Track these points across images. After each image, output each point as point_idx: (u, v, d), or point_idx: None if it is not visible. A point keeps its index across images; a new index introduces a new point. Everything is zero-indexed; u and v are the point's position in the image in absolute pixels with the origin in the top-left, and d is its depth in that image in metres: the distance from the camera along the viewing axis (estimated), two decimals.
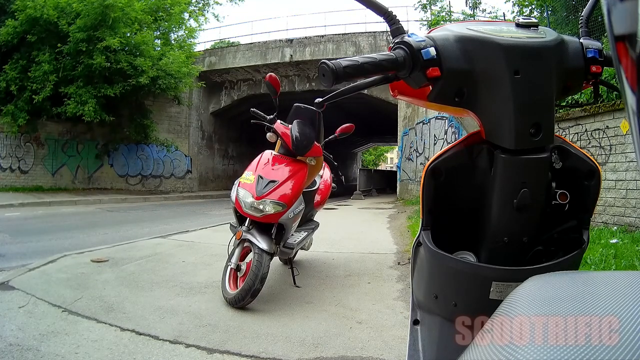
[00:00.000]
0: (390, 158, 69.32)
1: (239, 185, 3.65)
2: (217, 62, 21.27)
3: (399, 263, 5.07)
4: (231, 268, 3.53)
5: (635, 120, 0.42)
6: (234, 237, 3.68)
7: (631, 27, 0.40)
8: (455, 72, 0.90)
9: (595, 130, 6.36)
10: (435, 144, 14.14)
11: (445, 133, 13.35)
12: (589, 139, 6.46)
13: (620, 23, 0.42)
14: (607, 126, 6.13)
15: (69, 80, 15.55)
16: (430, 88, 0.93)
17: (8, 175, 17.35)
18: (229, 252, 3.65)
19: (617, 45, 0.43)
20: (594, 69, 0.98)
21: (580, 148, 1.04)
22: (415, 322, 1.20)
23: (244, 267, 3.50)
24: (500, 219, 0.97)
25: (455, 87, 0.92)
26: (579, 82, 1.01)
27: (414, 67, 0.89)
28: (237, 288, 3.40)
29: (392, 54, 0.89)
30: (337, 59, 0.87)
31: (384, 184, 26.55)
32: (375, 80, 0.93)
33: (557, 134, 0.99)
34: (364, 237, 7.21)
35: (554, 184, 0.99)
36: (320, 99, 1.06)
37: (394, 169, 30.90)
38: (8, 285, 3.76)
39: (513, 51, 0.89)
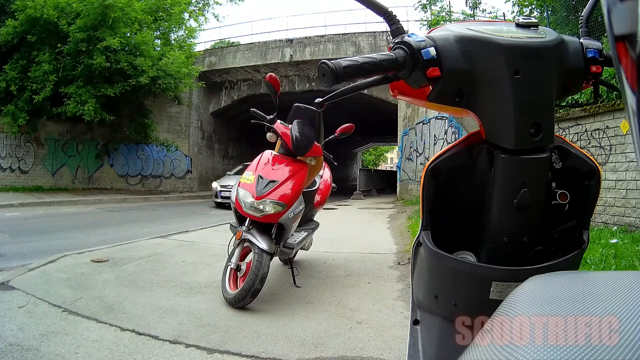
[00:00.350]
0: (390, 158, 69.30)
1: (239, 185, 3.65)
2: (217, 62, 21.26)
3: (399, 263, 5.08)
4: (231, 268, 3.53)
5: (635, 120, 0.42)
6: (234, 237, 3.68)
7: (631, 27, 0.40)
8: (455, 72, 0.90)
9: (595, 130, 6.36)
10: (435, 144, 14.14)
11: (445, 133, 13.36)
12: (589, 139, 6.46)
13: (620, 23, 0.42)
14: (607, 126, 6.12)
15: (69, 80, 15.52)
16: (430, 88, 0.93)
17: (8, 175, 17.28)
18: (229, 252, 3.65)
19: (617, 45, 0.43)
20: (594, 69, 0.98)
21: (580, 148, 1.04)
22: (415, 322, 1.20)
23: (244, 267, 3.50)
24: (500, 219, 0.97)
25: (455, 87, 0.92)
26: (579, 82, 1.01)
27: (414, 67, 0.89)
28: (237, 288, 3.40)
29: (392, 54, 0.89)
30: (337, 59, 0.87)
31: (384, 184, 26.55)
32: (375, 80, 0.93)
33: (557, 134, 0.98)
34: (364, 237, 7.21)
35: (554, 184, 0.99)
36: (320, 99, 1.06)
37: (394, 169, 30.90)
38: (8, 285, 3.76)
39: (513, 51, 0.89)
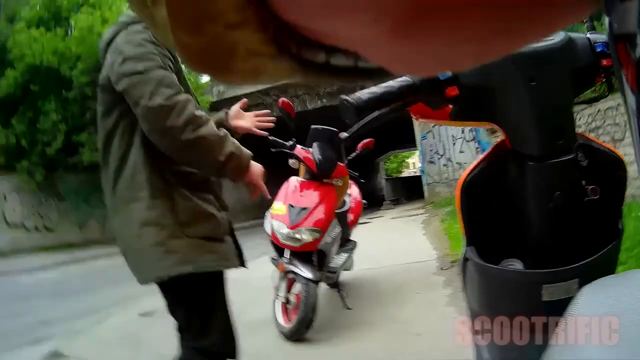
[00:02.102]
0: (412, 163, 68.55)
1: (271, 217, 3.66)
2: (225, 91, 21.20)
3: (442, 268, 5.02)
4: (281, 302, 3.54)
5: (635, 121, 0.44)
6: (276, 269, 3.69)
7: (631, 27, 0.42)
8: (472, 88, 0.93)
9: (608, 108, 6.30)
10: (454, 144, 14.11)
11: (462, 132, 13.30)
12: (603, 118, 6.40)
13: (620, 23, 0.45)
14: (619, 103, 6.02)
15: (79, 127, 15.13)
16: (451, 107, 0.96)
17: (34, 235, 16.05)
18: (274, 286, 3.66)
19: (617, 46, 0.45)
20: (604, 62, 0.99)
21: (602, 143, 1.06)
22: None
23: (292, 298, 3.48)
24: (539, 223, 0.99)
25: (475, 102, 0.95)
26: (591, 78, 1.02)
27: (432, 89, 0.92)
28: (290, 321, 3.39)
29: (409, 78, 0.93)
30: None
31: (410, 190, 26.37)
32: (395, 108, 0.96)
33: (578, 131, 1.00)
34: (402, 247, 7.15)
35: (583, 181, 1.00)
36: (346, 134, 1.09)
37: (418, 173, 30.61)
38: (60, 353, 3.68)
39: (525, 59, 0.91)
